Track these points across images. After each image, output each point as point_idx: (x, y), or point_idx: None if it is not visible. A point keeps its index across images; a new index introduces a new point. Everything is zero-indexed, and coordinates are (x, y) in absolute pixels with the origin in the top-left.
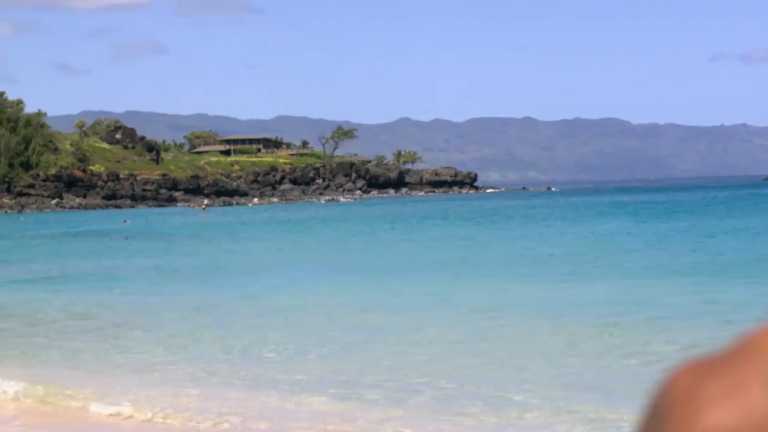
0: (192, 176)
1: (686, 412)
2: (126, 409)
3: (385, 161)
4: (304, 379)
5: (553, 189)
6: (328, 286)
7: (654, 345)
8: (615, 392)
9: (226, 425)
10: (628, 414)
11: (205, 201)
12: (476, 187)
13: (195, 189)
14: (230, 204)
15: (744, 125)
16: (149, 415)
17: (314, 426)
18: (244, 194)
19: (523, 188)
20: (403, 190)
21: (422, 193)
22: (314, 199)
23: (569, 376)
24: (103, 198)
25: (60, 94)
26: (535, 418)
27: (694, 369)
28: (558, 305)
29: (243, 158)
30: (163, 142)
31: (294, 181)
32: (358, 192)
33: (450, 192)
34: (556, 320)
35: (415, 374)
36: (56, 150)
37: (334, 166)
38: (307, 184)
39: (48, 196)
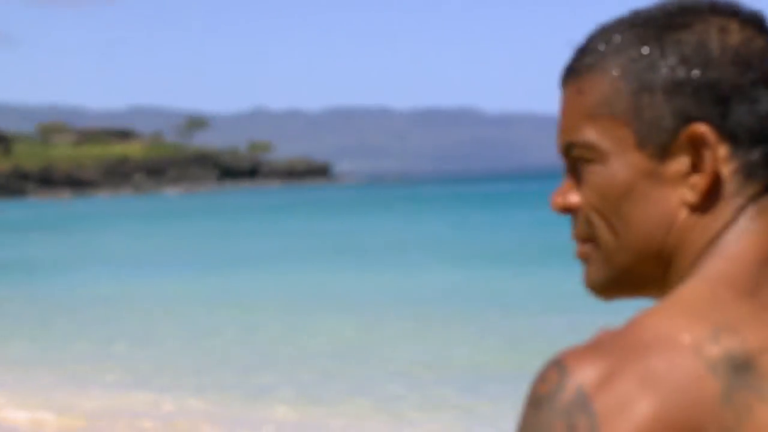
0: (43, 168)
1: (616, 407)
2: None
3: (238, 152)
4: (145, 373)
5: (405, 179)
6: (179, 278)
7: (517, 333)
8: (478, 382)
9: (80, 423)
10: (495, 405)
11: (65, 194)
12: (330, 177)
13: (46, 180)
14: (82, 195)
15: None
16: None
17: (167, 423)
18: (96, 186)
19: (376, 178)
20: (257, 180)
21: (276, 184)
22: (167, 191)
23: (436, 368)
24: None
25: None
26: (402, 410)
27: (593, 358)
28: (411, 295)
29: (95, 149)
30: (13, 133)
31: (146, 173)
32: (211, 183)
33: (303, 182)
34: (412, 309)
35: (272, 369)
36: None
37: (187, 157)
38: (160, 175)
39: None
